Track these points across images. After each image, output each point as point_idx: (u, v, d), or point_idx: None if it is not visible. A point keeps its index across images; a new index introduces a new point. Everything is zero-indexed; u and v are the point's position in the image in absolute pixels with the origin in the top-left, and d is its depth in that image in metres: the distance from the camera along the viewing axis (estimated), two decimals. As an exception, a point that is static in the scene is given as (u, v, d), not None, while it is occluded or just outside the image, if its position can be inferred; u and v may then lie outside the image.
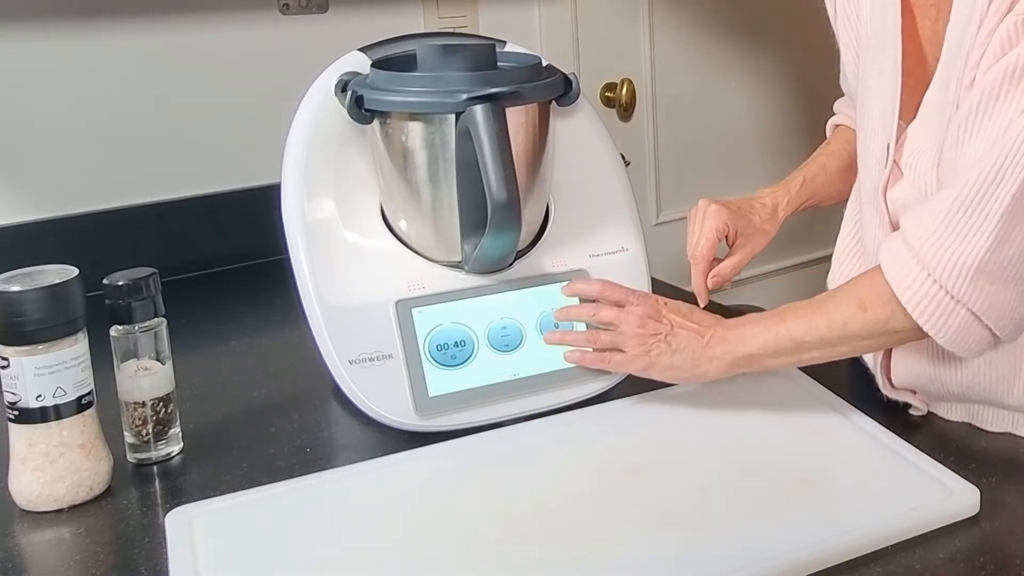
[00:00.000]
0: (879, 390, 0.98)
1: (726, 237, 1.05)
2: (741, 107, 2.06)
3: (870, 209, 0.95)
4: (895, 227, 0.92)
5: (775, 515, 0.79)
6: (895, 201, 0.91)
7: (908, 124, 0.91)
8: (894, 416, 0.95)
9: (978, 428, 0.94)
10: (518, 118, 0.96)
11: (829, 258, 1.09)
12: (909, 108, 0.91)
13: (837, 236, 1.11)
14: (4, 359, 0.84)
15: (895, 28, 0.91)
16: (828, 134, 1.20)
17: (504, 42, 1.10)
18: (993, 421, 0.94)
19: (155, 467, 0.92)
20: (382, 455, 0.91)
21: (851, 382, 1.05)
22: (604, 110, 1.88)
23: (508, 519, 0.79)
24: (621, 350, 0.94)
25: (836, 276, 1.07)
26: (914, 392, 0.97)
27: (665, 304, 0.94)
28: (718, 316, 0.96)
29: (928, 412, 0.97)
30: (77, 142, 1.41)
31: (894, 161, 0.91)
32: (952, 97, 0.84)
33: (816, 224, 1.23)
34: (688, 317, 0.93)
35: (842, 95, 1.16)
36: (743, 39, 2.03)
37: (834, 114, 1.19)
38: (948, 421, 0.96)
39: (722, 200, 1.05)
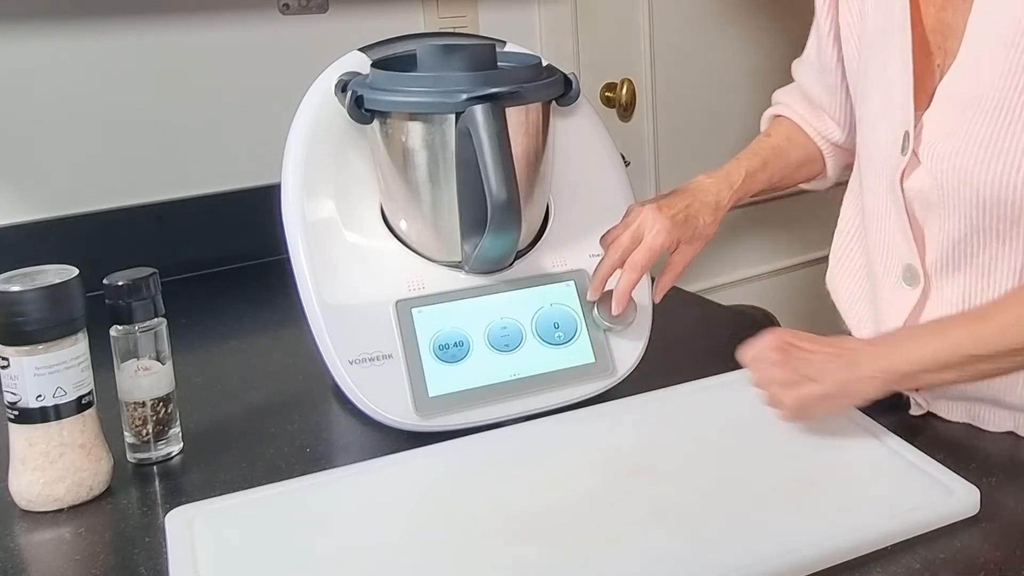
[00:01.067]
0: None
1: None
2: (741, 107, 2.06)
3: (882, 200, 0.94)
4: (912, 216, 0.91)
5: (775, 515, 0.79)
6: (912, 189, 0.91)
7: (921, 113, 0.90)
8: (894, 416, 0.95)
9: (978, 428, 0.94)
10: (518, 118, 0.96)
11: (828, 258, 1.09)
12: (919, 97, 0.91)
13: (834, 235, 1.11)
14: (4, 359, 0.84)
15: (903, 16, 0.90)
16: (764, 125, 1.18)
17: (504, 42, 1.10)
18: (993, 421, 0.94)
19: (155, 467, 0.92)
20: (382, 455, 0.91)
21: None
22: (604, 110, 1.88)
23: (508, 519, 0.79)
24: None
25: (835, 273, 1.07)
26: (916, 389, 0.97)
27: (794, 335, 0.88)
28: (852, 337, 0.93)
29: (928, 412, 0.97)
30: (77, 142, 1.41)
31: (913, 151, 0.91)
32: (995, 93, 0.83)
33: (815, 224, 1.23)
34: (817, 342, 0.87)
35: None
36: (743, 39, 2.03)
37: (771, 104, 1.18)
38: (948, 421, 0.96)
39: (667, 207, 1.01)
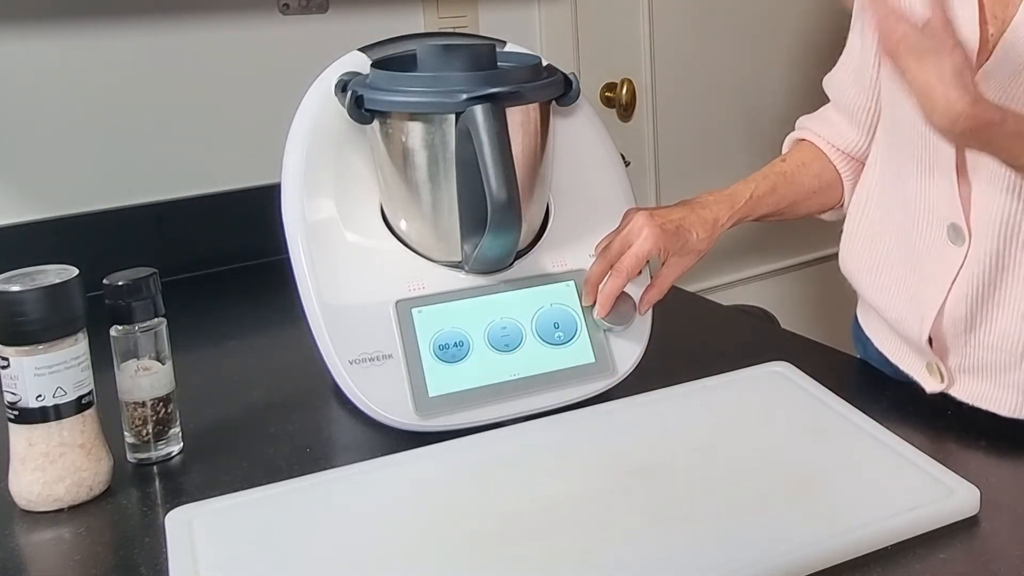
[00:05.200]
0: (891, 371, 0.99)
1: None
2: (741, 107, 2.06)
3: (927, 165, 0.94)
4: (960, 174, 0.92)
5: (775, 515, 0.79)
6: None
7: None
8: (894, 416, 0.95)
9: (989, 416, 0.94)
10: (518, 118, 0.96)
11: (829, 258, 1.09)
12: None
13: (838, 235, 1.11)
14: (4, 359, 0.84)
15: None
16: (785, 148, 1.18)
17: (504, 42, 1.10)
18: (1007, 403, 0.94)
19: (155, 467, 0.92)
20: (382, 455, 0.91)
21: (851, 381, 1.05)
22: (604, 110, 1.88)
23: (508, 519, 0.79)
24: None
25: (851, 249, 1.07)
26: (943, 360, 0.97)
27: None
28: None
29: (941, 395, 0.97)
30: (77, 142, 1.41)
31: None
32: None
33: (815, 224, 1.23)
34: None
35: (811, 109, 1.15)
36: (743, 39, 2.03)
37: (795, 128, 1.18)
38: (948, 420, 0.96)
39: (660, 216, 1.01)
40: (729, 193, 1.08)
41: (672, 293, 1.07)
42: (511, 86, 0.94)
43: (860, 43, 1.08)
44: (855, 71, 1.09)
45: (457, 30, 1.64)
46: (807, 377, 1.00)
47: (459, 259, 1.00)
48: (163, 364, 0.92)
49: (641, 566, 0.73)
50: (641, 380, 1.01)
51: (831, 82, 1.14)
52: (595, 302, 1.01)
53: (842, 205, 1.15)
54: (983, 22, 0.90)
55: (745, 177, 1.11)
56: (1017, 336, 0.92)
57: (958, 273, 0.93)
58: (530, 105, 0.97)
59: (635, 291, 1.02)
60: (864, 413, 0.93)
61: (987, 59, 0.89)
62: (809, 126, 1.16)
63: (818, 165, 1.13)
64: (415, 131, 0.96)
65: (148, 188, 1.45)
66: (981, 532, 0.78)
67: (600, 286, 1.00)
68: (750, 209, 1.08)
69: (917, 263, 0.98)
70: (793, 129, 1.19)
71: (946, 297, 0.94)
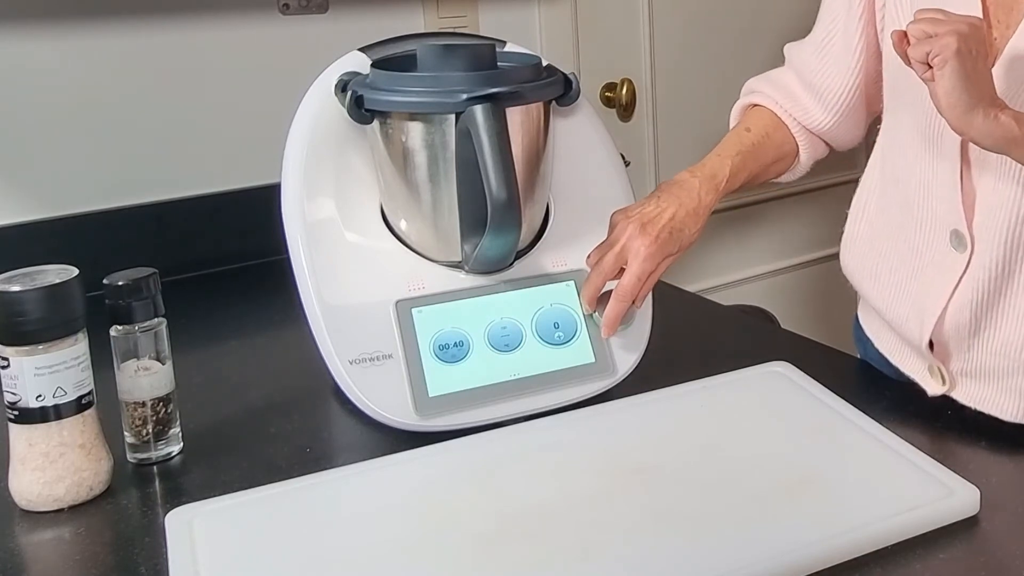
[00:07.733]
0: (894, 373, 0.99)
1: None
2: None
3: (930, 169, 0.94)
4: (965, 180, 0.91)
5: (775, 515, 0.79)
6: (976, 149, 0.90)
7: None
8: (894, 416, 0.95)
9: (990, 418, 0.95)
10: (518, 118, 0.96)
11: (829, 258, 1.09)
12: None
13: (839, 235, 1.11)
14: (4, 359, 0.84)
15: None
16: (735, 116, 1.16)
17: (504, 42, 1.10)
18: (1009, 408, 0.94)
19: (155, 467, 0.93)
20: (382, 455, 0.91)
21: (851, 381, 1.05)
22: (604, 110, 1.88)
23: (508, 519, 0.79)
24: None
25: (853, 252, 1.07)
26: (944, 364, 0.97)
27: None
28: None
29: (942, 398, 0.98)
30: (77, 142, 1.41)
31: None
32: None
33: (815, 224, 1.23)
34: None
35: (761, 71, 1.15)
36: (743, 39, 2.03)
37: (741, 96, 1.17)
38: (949, 419, 0.96)
39: (651, 225, 0.99)
40: (710, 172, 1.06)
41: (672, 293, 1.07)
42: (511, 86, 0.94)
43: (844, 29, 1.06)
44: (835, 55, 1.08)
45: (457, 30, 1.64)
46: (807, 377, 1.00)
47: (459, 259, 1.00)
48: (163, 364, 0.92)
49: (641, 566, 0.73)
50: (641, 380, 1.01)
51: (800, 57, 1.12)
52: (595, 311, 1.00)
53: (797, 165, 1.14)
54: (988, 27, 0.90)
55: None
56: (1021, 342, 0.92)
57: (960, 279, 0.93)
58: (530, 105, 0.97)
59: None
60: (864, 413, 0.93)
61: (992, 64, 0.89)
62: (768, 92, 1.14)
63: (779, 136, 1.12)
64: (415, 131, 0.96)
65: (148, 188, 1.45)
66: (981, 532, 0.78)
67: (606, 311, 0.99)
68: (729, 187, 1.07)
69: (918, 267, 0.98)
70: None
71: (947, 303, 0.94)
